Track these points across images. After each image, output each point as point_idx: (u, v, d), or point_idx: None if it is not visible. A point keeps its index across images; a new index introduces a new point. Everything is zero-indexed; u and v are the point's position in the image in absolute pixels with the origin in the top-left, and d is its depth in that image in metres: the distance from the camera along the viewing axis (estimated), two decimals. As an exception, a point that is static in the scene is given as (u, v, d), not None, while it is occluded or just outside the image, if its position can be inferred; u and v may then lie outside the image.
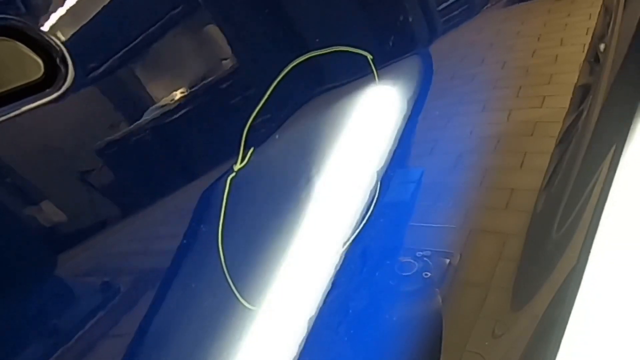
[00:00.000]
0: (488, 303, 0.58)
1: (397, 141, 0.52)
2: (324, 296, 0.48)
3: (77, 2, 0.35)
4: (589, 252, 0.71)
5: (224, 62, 0.41)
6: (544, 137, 0.67)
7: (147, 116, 0.38)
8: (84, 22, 0.35)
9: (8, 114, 0.33)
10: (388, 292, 0.52)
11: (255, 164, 0.43)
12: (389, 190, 0.51)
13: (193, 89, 0.40)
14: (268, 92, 0.43)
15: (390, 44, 0.51)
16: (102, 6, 0.36)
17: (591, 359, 0.65)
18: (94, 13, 0.36)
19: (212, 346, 0.43)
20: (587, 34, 0.72)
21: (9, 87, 0.33)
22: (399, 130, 0.52)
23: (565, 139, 0.68)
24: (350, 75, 0.49)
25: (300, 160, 0.48)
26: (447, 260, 0.55)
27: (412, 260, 0.53)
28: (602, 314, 0.68)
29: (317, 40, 0.46)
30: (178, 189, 0.41)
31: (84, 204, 0.37)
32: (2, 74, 0.33)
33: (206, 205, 0.42)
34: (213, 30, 0.41)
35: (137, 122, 0.38)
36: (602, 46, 0.73)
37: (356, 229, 0.49)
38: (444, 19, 0.56)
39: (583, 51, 0.71)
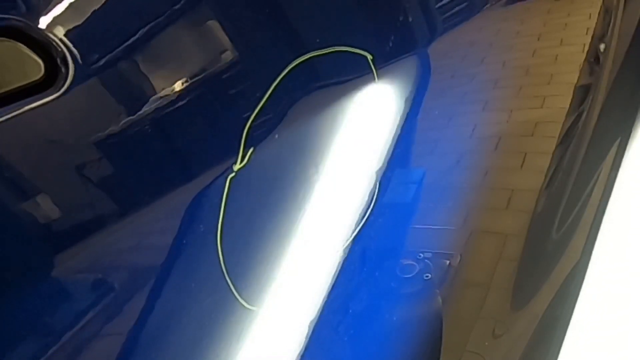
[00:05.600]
0: (488, 303, 0.57)
1: (396, 141, 0.52)
2: (324, 297, 0.48)
3: (77, 2, 0.35)
4: (590, 252, 0.71)
5: (224, 61, 0.41)
6: (544, 137, 0.67)
7: (147, 116, 0.38)
8: (85, 23, 0.35)
9: (8, 114, 0.33)
10: (389, 294, 0.52)
11: (255, 164, 0.44)
12: (388, 191, 0.51)
13: (193, 89, 0.40)
14: (268, 92, 0.44)
15: (390, 44, 0.51)
16: (102, 7, 0.36)
17: None
18: (95, 13, 0.36)
19: (211, 346, 0.43)
20: (587, 34, 0.72)
21: (10, 88, 0.34)
22: (398, 131, 0.52)
23: (565, 139, 0.68)
24: (350, 75, 0.49)
25: (300, 160, 0.48)
26: (448, 262, 0.55)
27: (413, 262, 0.53)
28: (603, 314, 0.68)
29: (317, 40, 0.46)
30: (178, 188, 0.41)
31: (84, 203, 0.37)
32: (3, 75, 0.34)
33: (206, 205, 0.42)
34: (213, 30, 0.41)
35: (137, 122, 0.38)
36: (602, 46, 0.73)
37: (355, 230, 0.49)
38: (444, 18, 0.56)
39: (583, 51, 0.71)
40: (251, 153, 0.43)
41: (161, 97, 0.39)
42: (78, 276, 0.37)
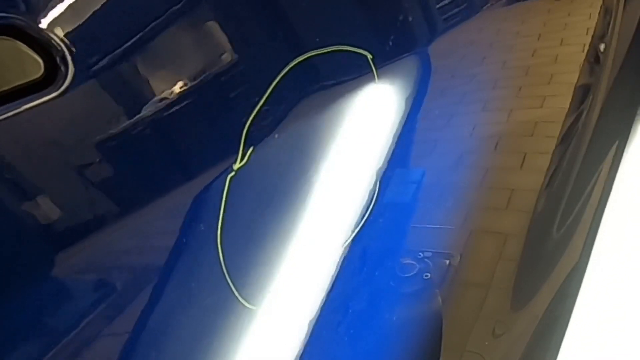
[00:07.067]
0: (488, 303, 0.57)
1: (396, 141, 0.52)
2: (324, 296, 0.48)
3: (77, 2, 0.35)
4: (589, 252, 0.71)
5: (224, 61, 0.41)
6: (544, 137, 0.67)
7: (147, 115, 0.38)
8: (84, 21, 0.35)
9: (8, 112, 0.33)
10: (388, 293, 0.52)
11: (255, 163, 0.44)
12: (388, 190, 0.51)
13: (193, 88, 0.40)
14: (268, 91, 0.44)
15: (390, 43, 0.51)
16: (102, 5, 0.36)
17: (592, 359, 0.65)
18: (94, 12, 0.36)
19: (211, 345, 0.43)
20: (587, 34, 0.72)
21: (9, 86, 0.33)
22: (398, 130, 0.52)
23: (565, 139, 0.68)
24: (350, 75, 0.49)
25: (300, 159, 0.48)
26: (447, 261, 0.55)
27: (412, 262, 0.53)
28: (603, 314, 0.68)
29: (317, 40, 0.46)
30: (178, 187, 0.41)
31: (84, 202, 0.37)
32: (2, 73, 0.33)
33: (206, 204, 0.42)
34: (213, 29, 0.41)
35: (137, 121, 0.38)
36: (602, 46, 0.73)
37: (355, 229, 0.49)
38: (444, 18, 0.56)
39: (583, 51, 0.71)
40: (251, 152, 0.43)
41: (161, 96, 0.38)
42: (78, 276, 0.37)
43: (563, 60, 0.71)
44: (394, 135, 0.52)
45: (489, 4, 0.62)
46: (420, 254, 0.54)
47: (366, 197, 0.50)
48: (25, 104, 0.34)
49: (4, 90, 0.33)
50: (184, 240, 0.41)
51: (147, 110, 0.38)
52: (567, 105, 0.68)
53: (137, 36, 0.37)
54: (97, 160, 0.37)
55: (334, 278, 0.48)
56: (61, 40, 0.34)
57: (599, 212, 0.74)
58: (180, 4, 0.38)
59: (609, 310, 0.68)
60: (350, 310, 0.49)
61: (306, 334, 0.46)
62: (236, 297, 0.43)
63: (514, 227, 0.62)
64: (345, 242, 0.49)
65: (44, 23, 0.34)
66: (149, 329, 0.40)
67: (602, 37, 0.74)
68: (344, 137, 0.49)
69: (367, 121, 0.51)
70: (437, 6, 0.55)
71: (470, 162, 0.61)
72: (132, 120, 0.38)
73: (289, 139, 0.46)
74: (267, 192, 0.46)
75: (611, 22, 0.75)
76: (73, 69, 0.35)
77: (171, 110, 0.39)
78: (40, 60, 0.34)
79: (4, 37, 0.33)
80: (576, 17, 0.74)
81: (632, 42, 0.79)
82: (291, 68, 0.44)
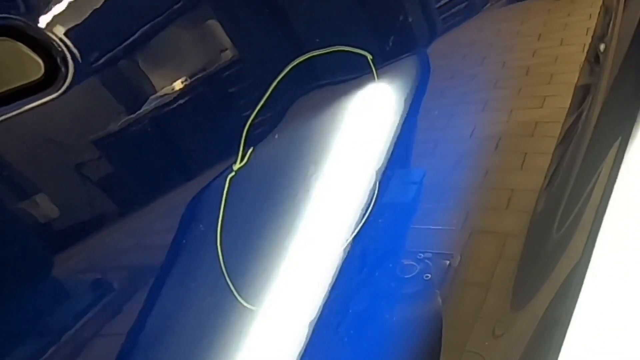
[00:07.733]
0: (488, 303, 0.57)
1: (396, 141, 0.52)
2: (324, 297, 0.48)
3: (77, 2, 0.35)
4: (590, 252, 0.71)
5: (224, 61, 0.41)
6: (544, 137, 0.67)
7: (147, 115, 0.38)
8: (84, 22, 0.35)
9: (8, 113, 0.33)
10: (388, 294, 0.52)
11: (255, 164, 0.44)
12: (388, 191, 0.51)
13: (193, 88, 0.40)
14: (268, 92, 0.44)
15: (390, 43, 0.51)
16: (101, 5, 0.36)
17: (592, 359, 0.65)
18: (94, 12, 0.36)
19: (211, 346, 0.43)
20: (587, 34, 0.72)
21: (9, 87, 0.34)
22: (398, 130, 0.52)
23: (565, 139, 0.68)
24: (350, 75, 0.49)
25: (299, 159, 0.48)
26: (448, 262, 0.55)
27: (412, 262, 0.53)
28: (604, 314, 0.68)
29: (317, 40, 0.46)
30: (178, 188, 0.41)
31: (83, 202, 0.37)
32: (2, 74, 0.34)
33: (205, 205, 0.42)
34: (213, 29, 0.41)
35: (137, 121, 0.38)
36: (602, 46, 0.74)
37: (355, 230, 0.49)
38: (444, 18, 0.56)
39: (583, 51, 0.72)
40: (251, 153, 0.43)
41: (161, 97, 0.39)
42: (78, 276, 0.37)
43: (563, 60, 0.71)
44: (394, 135, 0.52)
45: (489, 4, 0.62)
46: (421, 254, 0.54)
47: (366, 198, 0.50)
48: (26, 104, 0.34)
49: (4, 91, 0.33)
50: (184, 240, 0.41)
51: (147, 111, 0.38)
52: (567, 105, 0.69)
53: (137, 36, 0.37)
54: (97, 160, 0.37)
55: (334, 279, 0.48)
56: (61, 40, 0.34)
57: (600, 212, 0.74)
58: (180, 4, 0.39)
59: (609, 311, 0.68)
60: (350, 311, 0.49)
61: (306, 335, 0.46)
62: (236, 298, 0.43)
63: (514, 227, 0.62)
64: (345, 243, 0.49)
65: (44, 23, 0.34)
66: (148, 329, 0.40)
67: (602, 37, 0.74)
68: (344, 137, 0.49)
69: (367, 121, 0.51)
70: (437, 6, 0.55)
71: (470, 162, 0.61)
72: (132, 120, 0.38)
73: (289, 139, 0.46)
74: (267, 193, 0.46)
75: (611, 22, 0.75)
76: (73, 69, 0.35)
77: (171, 111, 0.39)
78: (41, 61, 0.34)
79: (4, 37, 0.33)
80: (576, 17, 0.74)
81: (632, 42, 0.79)
82: (291, 68, 0.44)
